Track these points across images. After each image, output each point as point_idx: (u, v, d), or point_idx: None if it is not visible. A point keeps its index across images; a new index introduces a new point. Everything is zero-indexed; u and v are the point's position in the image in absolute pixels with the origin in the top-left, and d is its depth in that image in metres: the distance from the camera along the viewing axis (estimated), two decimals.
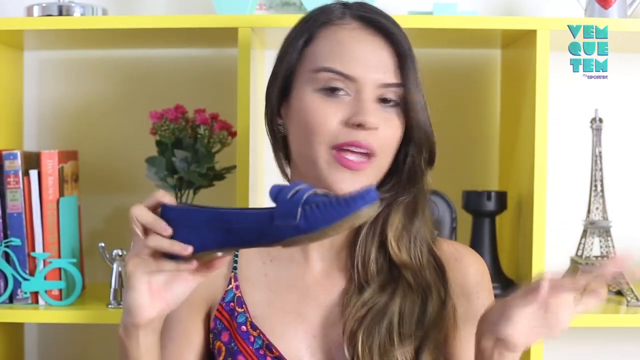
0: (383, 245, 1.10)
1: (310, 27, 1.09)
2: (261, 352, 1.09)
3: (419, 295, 1.08)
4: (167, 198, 0.97)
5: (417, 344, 1.06)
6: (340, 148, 1.03)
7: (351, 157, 1.03)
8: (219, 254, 0.95)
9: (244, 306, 1.12)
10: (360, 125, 1.02)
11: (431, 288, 1.08)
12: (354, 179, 1.03)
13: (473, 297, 1.12)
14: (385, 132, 1.05)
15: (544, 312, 0.94)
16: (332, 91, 1.04)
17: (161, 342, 1.14)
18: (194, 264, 0.94)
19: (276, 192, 0.90)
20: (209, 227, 0.92)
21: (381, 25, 1.05)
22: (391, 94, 1.05)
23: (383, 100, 1.05)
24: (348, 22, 1.07)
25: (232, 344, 1.10)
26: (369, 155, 1.04)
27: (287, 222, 0.88)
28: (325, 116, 1.03)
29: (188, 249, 0.93)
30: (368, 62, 1.04)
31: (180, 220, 0.94)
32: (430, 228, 1.13)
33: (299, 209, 0.88)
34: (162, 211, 0.97)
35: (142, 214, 0.96)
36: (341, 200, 0.87)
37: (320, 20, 1.09)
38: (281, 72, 1.10)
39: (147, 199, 0.98)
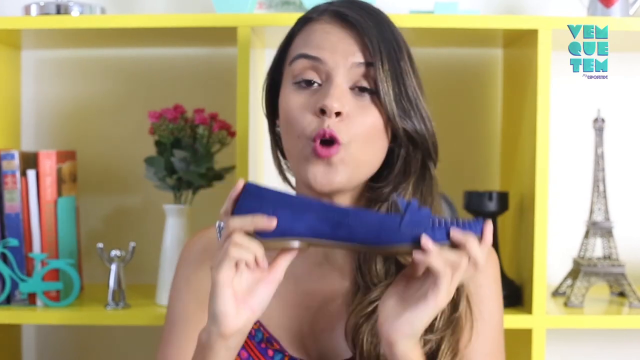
0: None
1: (293, 28, 1.12)
2: (262, 345, 1.09)
3: None
4: (241, 182, 0.96)
5: (431, 348, 1.04)
6: (312, 140, 1.03)
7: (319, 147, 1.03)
8: (296, 244, 0.94)
9: None
10: (323, 111, 1.02)
11: None
12: (328, 170, 1.03)
13: (477, 285, 1.10)
14: (359, 120, 1.03)
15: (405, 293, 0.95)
16: (305, 84, 1.05)
17: (167, 337, 1.14)
18: (264, 264, 0.94)
19: (406, 202, 0.93)
20: (316, 216, 0.93)
21: (352, 20, 1.05)
22: (365, 81, 1.04)
23: (360, 89, 1.04)
24: (323, 18, 1.08)
25: None
26: (337, 143, 1.02)
27: (414, 231, 0.92)
28: (298, 108, 1.04)
29: (273, 222, 0.92)
30: (336, 48, 1.04)
31: (275, 202, 0.94)
32: None
33: (430, 220, 0.92)
34: (253, 189, 0.95)
35: (236, 222, 0.93)
36: (465, 223, 0.93)
37: (300, 19, 1.11)
38: (270, 74, 1.13)
39: (227, 201, 0.96)
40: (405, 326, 0.93)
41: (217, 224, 0.98)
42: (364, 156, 1.05)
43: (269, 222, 0.92)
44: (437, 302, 0.92)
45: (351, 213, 0.93)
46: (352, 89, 1.04)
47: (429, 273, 0.93)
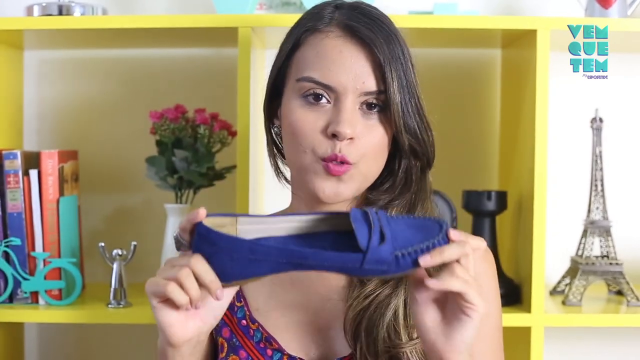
0: None
1: (298, 32, 1.10)
2: (261, 345, 1.09)
3: None
4: (203, 214, 0.92)
5: None
6: (322, 160, 1.04)
7: (332, 165, 1.04)
8: (258, 279, 0.93)
9: (242, 300, 1.12)
10: (334, 135, 1.03)
11: None
12: (337, 185, 1.05)
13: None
14: (367, 140, 1.05)
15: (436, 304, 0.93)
16: (314, 99, 1.05)
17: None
18: (200, 305, 0.92)
19: (366, 238, 0.89)
20: (275, 260, 0.90)
21: (363, 35, 1.05)
22: (374, 100, 1.05)
23: (368, 106, 1.05)
24: (332, 30, 1.07)
25: (234, 340, 1.11)
26: (347, 163, 1.04)
27: (378, 268, 0.89)
28: (307, 126, 1.05)
29: (220, 296, 0.90)
30: (348, 71, 1.04)
31: (231, 248, 0.90)
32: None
33: (393, 257, 0.89)
34: (203, 232, 0.91)
35: (198, 265, 0.90)
36: (429, 244, 0.89)
37: (307, 26, 1.10)
38: (272, 77, 1.13)
39: (185, 219, 0.93)
40: (460, 345, 0.92)
41: (174, 235, 0.96)
42: (371, 171, 1.08)
43: (220, 294, 0.90)
44: (480, 312, 0.91)
45: (310, 256, 0.90)
46: (360, 106, 1.05)
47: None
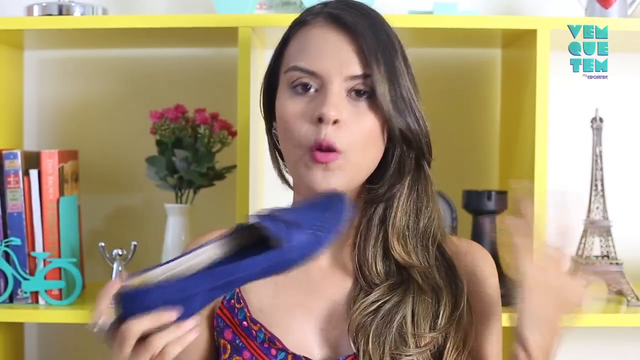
0: (387, 247, 1.10)
1: (288, 30, 1.12)
2: (265, 345, 1.09)
3: (432, 296, 1.07)
4: (118, 282, 0.93)
5: (435, 346, 1.06)
6: (309, 150, 1.04)
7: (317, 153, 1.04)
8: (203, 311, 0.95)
9: (242, 302, 1.12)
10: (320, 120, 1.02)
11: (442, 289, 1.08)
12: (325, 174, 1.04)
13: (485, 289, 1.12)
14: (356, 127, 1.04)
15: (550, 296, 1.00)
16: (302, 89, 1.05)
17: None
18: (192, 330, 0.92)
19: (278, 229, 0.92)
20: (205, 289, 0.90)
21: (347, 22, 1.06)
22: (362, 85, 1.05)
23: (356, 93, 1.05)
24: (318, 21, 1.08)
25: (237, 341, 1.11)
26: (335, 151, 1.03)
27: (305, 251, 0.93)
28: (295, 117, 1.05)
29: (174, 314, 0.90)
30: (333, 57, 1.04)
31: (158, 299, 0.89)
32: (441, 225, 1.13)
33: (311, 234, 0.93)
34: (128, 296, 0.90)
35: (136, 325, 0.90)
36: (337, 215, 0.95)
37: (295, 22, 1.11)
38: (267, 77, 1.14)
39: (102, 294, 0.94)
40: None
41: (97, 329, 0.95)
42: (362, 162, 1.06)
43: (172, 315, 0.90)
44: None
45: (238, 269, 0.90)
46: (348, 93, 1.05)
47: None
